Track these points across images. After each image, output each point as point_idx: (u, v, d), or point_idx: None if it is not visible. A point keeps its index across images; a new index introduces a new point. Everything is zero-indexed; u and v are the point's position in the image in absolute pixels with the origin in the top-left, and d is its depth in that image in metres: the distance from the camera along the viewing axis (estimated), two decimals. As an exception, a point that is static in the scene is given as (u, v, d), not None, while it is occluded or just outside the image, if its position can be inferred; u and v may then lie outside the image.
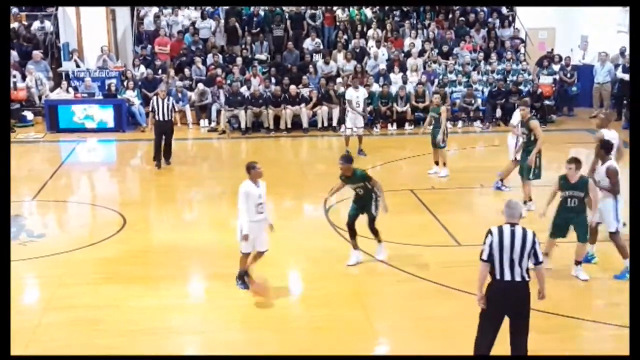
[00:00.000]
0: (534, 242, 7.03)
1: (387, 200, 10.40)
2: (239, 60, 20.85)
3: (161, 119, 15.77)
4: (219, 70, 20.52)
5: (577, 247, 9.96)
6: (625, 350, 7.50)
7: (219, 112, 19.70)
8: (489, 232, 7.13)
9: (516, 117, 13.69)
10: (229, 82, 19.98)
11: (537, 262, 7.11)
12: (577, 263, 10.04)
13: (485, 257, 7.10)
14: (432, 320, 8.94)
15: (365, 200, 10.32)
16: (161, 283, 9.91)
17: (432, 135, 15.07)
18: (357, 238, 10.48)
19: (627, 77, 20.28)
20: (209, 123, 19.90)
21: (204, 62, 21.10)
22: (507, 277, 7.02)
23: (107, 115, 19.28)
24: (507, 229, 7.08)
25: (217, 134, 19.36)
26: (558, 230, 10.00)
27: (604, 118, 12.19)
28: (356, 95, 16.65)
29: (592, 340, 8.74)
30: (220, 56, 21.34)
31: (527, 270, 7.08)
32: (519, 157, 13.01)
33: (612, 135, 11.28)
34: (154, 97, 16.16)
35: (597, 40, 22.29)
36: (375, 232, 10.49)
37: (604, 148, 10.27)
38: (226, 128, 19.38)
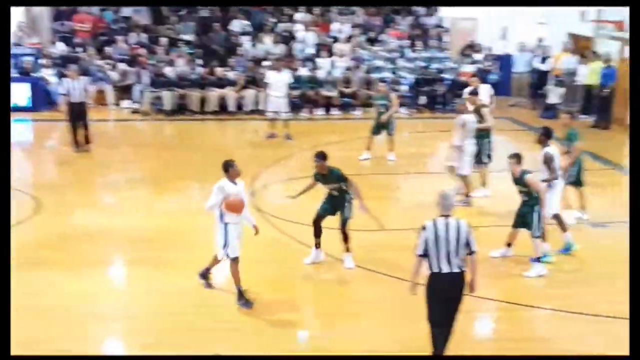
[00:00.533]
0: (467, 233, 7.15)
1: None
2: (164, 40, 20.48)
3: (74, 101, 15.16)
4: (142, 50, 20.12)
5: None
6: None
7: (142, 92, 19.35)
8: (423, 227, 7.14)
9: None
10: (152, 62, 19.63)
11: (471, 252, 7.20)
12: (536, 260, 10.01)
13: (420, 252, 7.15)
14: (358, 304, 9.07)
15: (339, 202, 9.86)
16: (83, 269, 9.70)
17: (380, 124, 15.05)
18: (321, 237, 10.01)
19: (544, 67, 20.95)
20: (132, 104, 19.53)
21: (126, 41, 20.64)
22: (445, 269, 7.11)
23: (22, 94, 18.61)
24: (441, 222, 7.12)
25: (140, 115, 19.03)
26: (518, 221, 10.20)
27: (461, 105, 12.84)
28: (279, 79, 16.55)
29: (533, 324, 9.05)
30: (144, 35, 20.92)
31: (463, 259, 7.20)
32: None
33: (470, 118, 12.32)
34: (65, 79, 15.65)
35: (517, 31, 22.87)
36: (345, 236, 9.93)
37: (545, 134, 10.57)
38: (149, 109, 19.06)
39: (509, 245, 10.43)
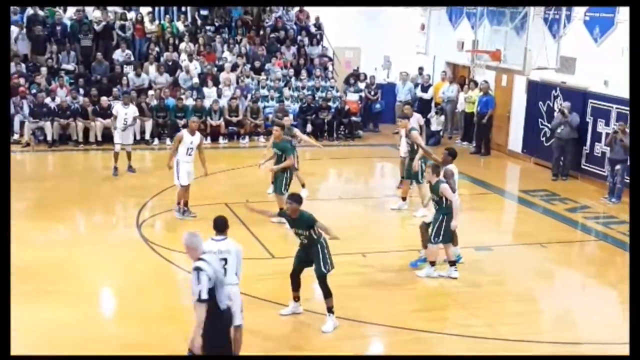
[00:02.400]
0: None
1: (204, 213, 10.32)
2: (44, 70, 19.89)
3: None
4: (22, 80, 19.47)
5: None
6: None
7: (22, 123, 18.70)
8: (199, 269, 6.71)
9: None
10: (33, 92, 19.03)
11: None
12: (451, 264, 10.77)
13: (206, 296, 6.67)
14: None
15: (311, 251, 8.98)
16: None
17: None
18: (300, 290, 9.29)
19: (425, 95, 21.70)
20: (12, 135, 18.82)
21: (4, 71, 19.93)
22: (224, 305, 6.93)
23: None
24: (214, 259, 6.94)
25: (21, 146, 18.37)
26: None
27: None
28: (124, 112, 16.13)
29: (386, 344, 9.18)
30: (23, 65, 20.25)
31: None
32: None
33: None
34: None
35: (399, 61, 23.60)
36: (325, 292, 8.97)
37: (451, 155, 11.36)
38: (30, 140, 18.44)
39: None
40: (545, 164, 17.90)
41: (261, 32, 23.60)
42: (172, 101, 19.88)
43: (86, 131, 18.81)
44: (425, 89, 21.87)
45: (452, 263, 10.87)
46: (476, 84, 19.97)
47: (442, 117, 20.79)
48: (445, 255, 10.88)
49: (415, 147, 13.45)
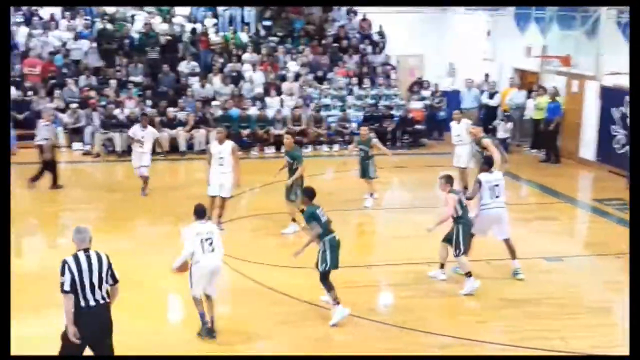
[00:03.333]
0: (109, 264, 7.30)
1: (266, 222, 10.21)
2: (113, 82, 20.33)
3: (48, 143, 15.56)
4: (92, 92, 19.93)
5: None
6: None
7: (93, 134, 19.12)
8: (65, 262, 7.11)
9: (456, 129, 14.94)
10: (103, 104, 19.45)
11: (115, 282, 7.31)
12: (467, 275, 10.49)
13: (67, 288, 7.05)
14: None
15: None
16: (39, 311, 9.48)
17: (363, 167, 14.81)
18: (334, 291, 9.41)
19: (491, 102, 21.30)
20: (83, 146, 19.27)
21: (76, 84, 20.43)
22: (92, 302, 7.12)
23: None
24: (82, 256, 7.16)
25: (92, 156, 18.81)
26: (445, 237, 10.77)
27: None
28: (141, 135, 15.27)
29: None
30: (94, 78, 20.74)
31: (107, 291, 7.26)
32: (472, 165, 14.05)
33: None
34: (40, 122, 15.89)
35: (464, 67, 23.30)
36: (326, 287, 9.37)
37: (487, 163, 11.19)
38: (101, 151, 18.83)
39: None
40: (620, 172, 17.18)
41: (324, 42, 23.60)
42: (236, 111, 20.02)
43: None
44: (491, 96, 21.49)
45: (442, 266, 10.84)
46: (545, 90, 19.51)
47: (510, 124, 20.35)
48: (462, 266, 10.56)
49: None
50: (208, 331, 8.82)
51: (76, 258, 7.09)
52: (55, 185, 15.72)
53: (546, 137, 19.24)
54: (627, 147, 16.83)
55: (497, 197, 10.84)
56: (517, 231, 12.26)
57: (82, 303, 7.06)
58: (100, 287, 7.13)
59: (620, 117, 17.42)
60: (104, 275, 7.15)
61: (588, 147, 18.70)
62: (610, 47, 15.34)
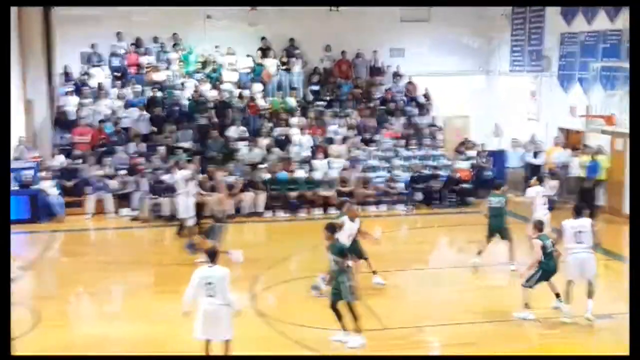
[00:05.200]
0: None
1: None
2: (162, 148, 20.81)
3: None
4: (141, 159, 20.45)
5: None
6: None
7: (141, 200, 19.55)
8: None
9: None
10: (151, 170, 19.92)
11: None
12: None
13: None
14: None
15: (337, 280, 10.47)
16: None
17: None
18: (345, 320, 10.50)
19: (537, 161, 21.29)
20: (131, 211, 19.70)
21: (125, 151, 20.99)
22: None
23: (21, 206, 18.65)
24: None
25: (140, 222, 19.15)
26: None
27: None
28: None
29: None
30: (143, 144, 21.30)
31: None
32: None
33: None
34: None
35: (509, 127, 23.39)
36: (353, 316, 10.46)
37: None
38: (149, 216, 19.21)
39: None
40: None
41: (371, 104, 23.95)
42: (285, 174, 20.34)
43: (201, 207, 19.33)
44: (535, 155, 21.47)
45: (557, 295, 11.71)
46: (590, 148, 19.45)
47: (555, 182, 20.22)
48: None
49: None
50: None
51: None
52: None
53: (585, 195, 19.17)
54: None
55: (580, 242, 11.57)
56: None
57: None
58: None
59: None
60: None
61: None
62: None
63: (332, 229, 10.79)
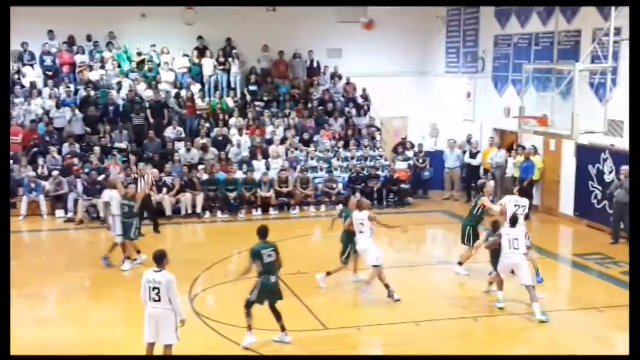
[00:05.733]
0: None
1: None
2: (97, 149, 20.46)
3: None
4: (75, 160, 20.05)
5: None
6: None
7: (76, 202, 19.18)
8: None
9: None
10: (86, 171, 19.56)
11: None
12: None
13: None
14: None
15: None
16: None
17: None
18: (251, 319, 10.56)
19: (474, 162, 21.68)
20: (66, 213, 19.30)
21: (59, 152, 20.56)
22: None
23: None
24: None
25: (75, 224, 18.79)
26: None
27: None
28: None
29: None
30: (77, 145, 20.89)
31: None
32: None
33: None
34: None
35: (446, 128, 23.76)
36: (247, 312, 10.58)
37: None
38: (84, 218, 18.87)
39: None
40: (599, 227, 17.61)
41: (309, 105, 23.99)
42: (223, 175, 20.22)
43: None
44: (473, 156, 21.84)
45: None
46: (524, 149, 19.89)
47: (492, 183, 20.59)
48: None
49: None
50: None
51: None
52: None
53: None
54: (605, 203, 17.22)
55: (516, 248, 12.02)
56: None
57: None
58: None
59: (596, 174, 17.81)
60: None
61: (567, 203, 19.02)
62: (584, 107, 15.77)
63: (262, 231, 10.76)
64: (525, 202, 14.08)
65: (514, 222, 12.32)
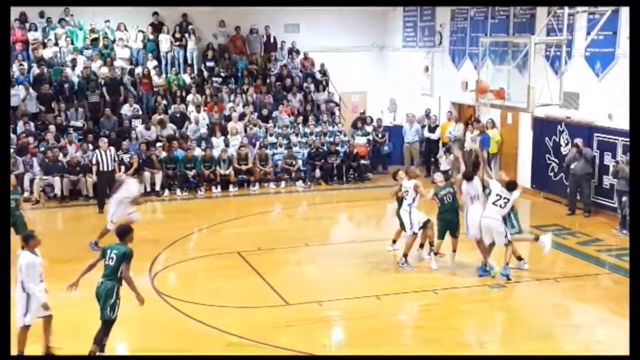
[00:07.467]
0: None
1: (216, 263, 10.30)
2: (53, 127, 20.11)
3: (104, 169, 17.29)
4: (31, 139, 19.69)
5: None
6: None
7: (32, 181, 18.86)
8: None
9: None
10: (42, 149, 19.23)
11: None
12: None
13: None
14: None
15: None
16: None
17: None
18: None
19: (433, 136, 21.80)
20: (22, 193, 18.94)
21: (14, 131, 20.14)
22: None
23: None
24: None
25: (31, 203, 18.49)
26: None
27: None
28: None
29: None
30: (32, 124, 20.50)
31: None
32: None
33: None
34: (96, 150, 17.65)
35: (405, 103, 23.83)
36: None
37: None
38: (41, 197, 18.59)
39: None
40: (555, 198, 17.91)
41: (267, 81, 23.84)
42: (181, 152, 20.04)
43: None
44: (432, 130, 21.97)
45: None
46: (479, 122, 20.08)
47: (451, 156, 20.80)
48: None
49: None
50: None
51: None
52: None
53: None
54: (561, 175, 17.51)
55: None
56: (458, 259, 12.75)
57: None
58: None
59: (552, 146, 18.08)
60: None
61: (524, 175, 19.27)
62: (540, 80, 15.95)
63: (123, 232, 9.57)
64: (508, 194, 12.77)
65: (469, 178, 12.92)
